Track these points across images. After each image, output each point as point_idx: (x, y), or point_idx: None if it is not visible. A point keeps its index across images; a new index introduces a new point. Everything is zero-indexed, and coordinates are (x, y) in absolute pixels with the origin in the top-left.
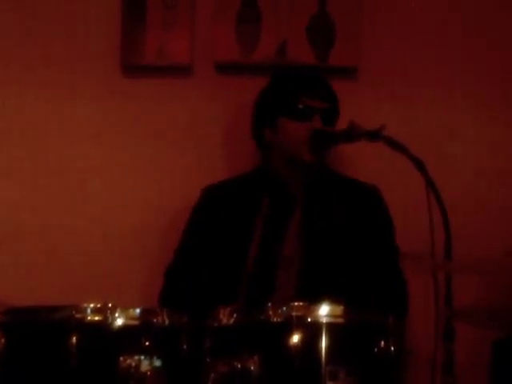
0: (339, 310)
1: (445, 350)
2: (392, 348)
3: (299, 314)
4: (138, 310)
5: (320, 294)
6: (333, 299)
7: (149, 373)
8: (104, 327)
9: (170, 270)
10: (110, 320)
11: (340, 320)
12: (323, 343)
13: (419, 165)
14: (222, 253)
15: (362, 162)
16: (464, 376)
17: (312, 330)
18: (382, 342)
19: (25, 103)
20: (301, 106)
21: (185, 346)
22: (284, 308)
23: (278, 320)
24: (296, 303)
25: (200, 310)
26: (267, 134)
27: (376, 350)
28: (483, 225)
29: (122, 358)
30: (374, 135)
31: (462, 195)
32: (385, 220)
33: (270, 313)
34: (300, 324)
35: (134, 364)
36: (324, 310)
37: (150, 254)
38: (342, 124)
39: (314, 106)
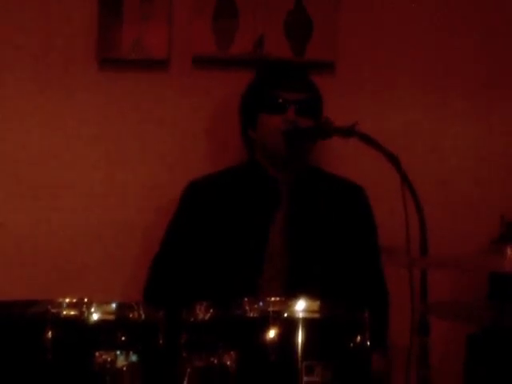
0: (315, 305)
1: (420, 344)
2: (368, 342)
3: (275, 309)
4: (113, 305)
5: (306, 290)
6: (309, 295)
7: (125, 368)
8: (79, 322)
9: (156, 263)
10: (85, 315)
11: (316, 315)
12: (299, 338)
13: (394, 160)
14: (208, 246)
15: (340, 158)
16: (439, 369)
17: (288, 325)
18: (358, 337)
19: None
20: (275, 99)
21: (161, 341)
22: (260, 303)
23: (255, 315)
24: (272, 298)
25: (183, 305)
26: (250, 132)
27: (352, 344)
28: (458, 221)
29: (97, 353)
30: (347, 132)
31: (438, 191)
32: (368, 220)
33: (247, 308)
34: (276, 319)
35: (109, 359)
36: (300, 306)
37: (133, 249)
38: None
39: (287, 98)
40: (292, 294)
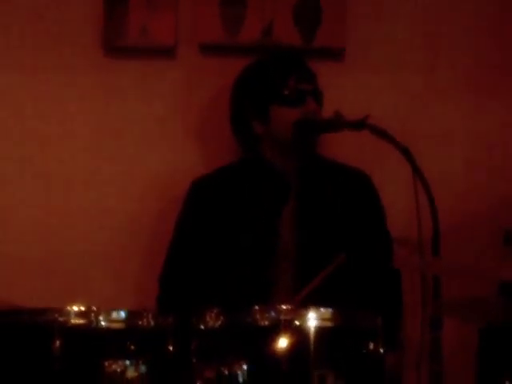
0: (327, 313)
1: (432, 339)
2: (381, 349)
3: (287, 317)
4: (122, 313)
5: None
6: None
7: (134, 377)
8: (88, 331)
9: (167, 268)
10: (94, 323)
11: (328, 323)
12: (311, 347)
13: (406, 153)
14: (217, 245)
15: (348, 148)
16: (451, 363)
17: (300, 334)
18: (371, 344)
19: (6, 86)
20: (291, 91)
21: (171, 348)
22: (272, 312)
23: (266, 323)
24: (284, 306)
25: (196, 306)
26: (255, 126)
27: (365, 352)
28: (471, 212)
29: (106, 363)
30: (359, 125)
31: (450, 183)
32: (377, 206)
33: (258, 316)
34: (288, 327)
35: (119, 369)
36: (312, 314)
37: (143, 240)
38: (327, 108)
39: (305, 89)
40: (304, 287)
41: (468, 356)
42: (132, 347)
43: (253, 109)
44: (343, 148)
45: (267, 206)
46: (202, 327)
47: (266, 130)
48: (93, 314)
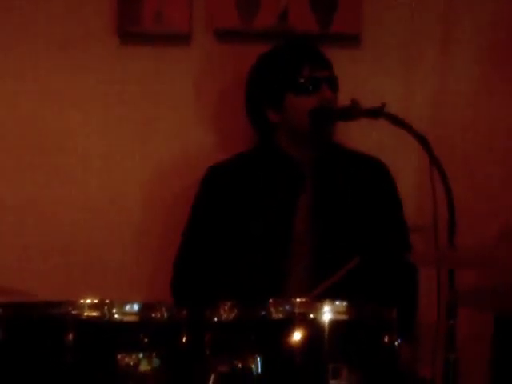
0: (342, 306)
1: (447, 328)
2: (396, 343)
3: (301, 310)
4: (135, 306)
5: (334, 271)
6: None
7: (148, 370)
8: (101, 323)
9: (181, 255)
10: (107, 316)
11: (343, 316)
12: (326, 340)
13: (423, 141)
14: (232, 234)
15: (365, 136)
16: (466, 352)
17: (314, 327)
18: (386, 338)
19: (22, 72)
20: (305, 79)
21: (184, 341)
22: (286, 305)
23: (280, 316)
24: (298, 299)
25: (210, 296)
26: (270, 114)
27: (380, 345)
28: (488, 201)
29: (119, 356)
30: (376, 113)
31: (466, 172)
32: (394, 195)
33: (272, 309)
34: (302, 321)
35: (132, 362)
36: (327, 307)
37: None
38: (343, 94)
39: (319, 76)
40: (322, 277)
41: (483, 345)
42: (145, 340)
43: (267, 97)
44: (359, 136)
45: (282, 196)
46: (216, 320)
47: (281, 118)
48: (106, 307)
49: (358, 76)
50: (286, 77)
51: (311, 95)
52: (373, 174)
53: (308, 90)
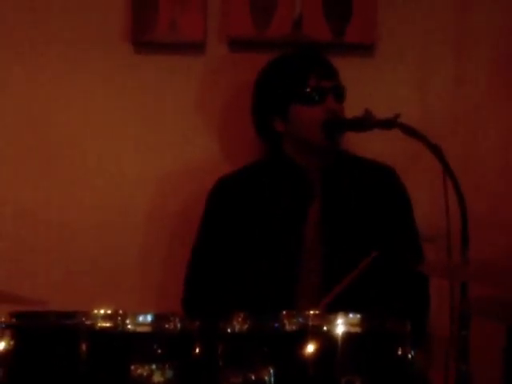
0: (356, 318)
1: (459, 338)
2: (409, 355)
3: (315, 322)
4: (149, 317)
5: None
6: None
7: (161, 381)
8: (115, 334)
9: (192, 275)
10: (120, 327)
11: (357, 329)
12: (339, 352)
13: (436, 151)
14: (242, 245)
15: (378, 146)
16: (478, 362)
17: (328, 339)
18: (400, 350)
19: (35, 80)
20: (311, 89)
21: (197, 352)
22: (299, 317)
23: (293, 328)
24: (311, 312)
25: (222, 307)
26: (277, 124)
27: (393, 357)
28: (501, 211)
29: (133, 367)
30: (390, 124)
31: (481, 182)
32: (405, 201)
33: (285, 321)
34: (315, 333)
35: (145, 373)
36: (340, 319)
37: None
38: (357, 104)
39: (325, 86)
40: (333, 285)
41: (495, 356)
42: (158, 351)
43: (273, 107)
44: (372, 146)
45: (292, 205)
46: (229, 331)
47: (287, 127)
48: (119, 318)
49: (371, 86)
50: (291, 87)
51: (316, 105)
52: (381, 180)
53: (314, 100)
